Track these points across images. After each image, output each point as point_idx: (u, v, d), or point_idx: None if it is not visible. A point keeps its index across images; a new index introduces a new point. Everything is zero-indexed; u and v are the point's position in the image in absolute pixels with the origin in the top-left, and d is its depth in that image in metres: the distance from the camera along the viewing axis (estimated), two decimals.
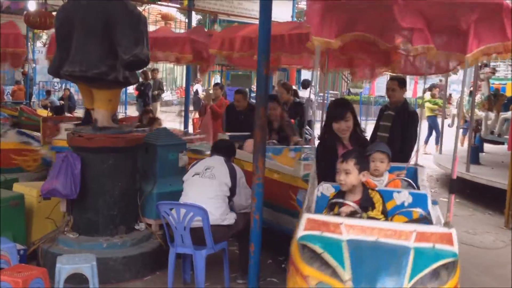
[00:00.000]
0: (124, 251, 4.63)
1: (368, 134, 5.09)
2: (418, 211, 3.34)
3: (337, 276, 2.61)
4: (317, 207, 3.38)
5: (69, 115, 12.57)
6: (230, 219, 4.37)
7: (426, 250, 2.70)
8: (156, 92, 14.60)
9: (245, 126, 6.54)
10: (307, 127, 7.33)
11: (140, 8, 4.99)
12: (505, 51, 3.13)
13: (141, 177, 5.19)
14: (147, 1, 14.08)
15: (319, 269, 2.68)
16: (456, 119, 12.44)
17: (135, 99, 15.69)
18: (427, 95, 13.41)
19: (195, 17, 21.12)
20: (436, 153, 11.48)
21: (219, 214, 4.28)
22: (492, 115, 10.83)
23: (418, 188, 3.93)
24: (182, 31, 14.93)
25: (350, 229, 2.77)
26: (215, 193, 4.34)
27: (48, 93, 17.87)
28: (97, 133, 4.77)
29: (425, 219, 3.22)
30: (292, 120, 7.36)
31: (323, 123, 4.24)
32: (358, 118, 4.26)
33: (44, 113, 11.33)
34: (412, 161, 4.70)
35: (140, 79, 13.44)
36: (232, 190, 4.45)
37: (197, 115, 14.63)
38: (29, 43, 16.07)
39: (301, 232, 2.89)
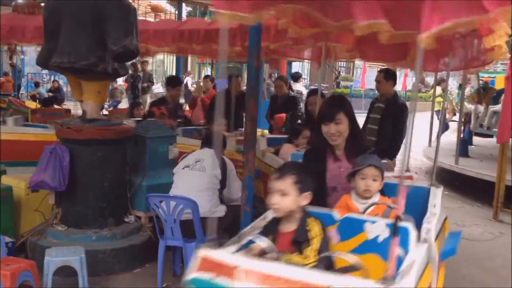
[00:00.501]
0: (113, 244, 4.60)
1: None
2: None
3: None
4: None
5: (57, 107, 12.45)
6: (220, 211, 4.37)
7: None
8: (145, 84, 14.53)
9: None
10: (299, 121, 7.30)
11: (129, 0, 4.94)
12: (481, 28, 2.44)
13: (131, 169, 5.15)
14: None
15: None
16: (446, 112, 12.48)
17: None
18: (438, 90, 12.84)
19: (185, 9, 21.02)
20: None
21: (209, 206, 4.28)
22: (481, 108, 10.92)
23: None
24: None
25: (247, 275, 1.98)
26: (205, 186, 4.34)
27: (37, 84, 17.76)
28: (85, 125, 4.74)
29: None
30: (284, 114, 7.33)
31: (313, 124, 3.52)
32: None
33: (32, 105, 11.24)
34: (404, 166, 3.47)
35: (130, 71, 13.36)
36: (222, 183, 4.45)
37: (187, 108, 14.56)
38: None
39: (192, 273, 2.12)
